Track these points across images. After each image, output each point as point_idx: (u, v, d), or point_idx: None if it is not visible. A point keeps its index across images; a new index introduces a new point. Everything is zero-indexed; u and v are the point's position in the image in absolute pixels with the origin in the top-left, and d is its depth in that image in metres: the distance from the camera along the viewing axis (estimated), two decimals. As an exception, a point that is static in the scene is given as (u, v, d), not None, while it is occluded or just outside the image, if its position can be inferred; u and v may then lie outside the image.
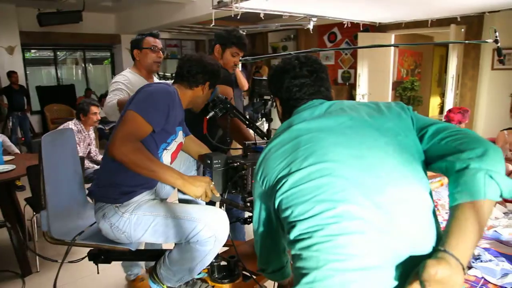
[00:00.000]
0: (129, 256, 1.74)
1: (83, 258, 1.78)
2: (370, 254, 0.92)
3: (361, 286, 0.90)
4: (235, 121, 2.05)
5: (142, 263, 2.71)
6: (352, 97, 8.52)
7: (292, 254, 1.04)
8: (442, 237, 0.91)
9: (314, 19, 5.14)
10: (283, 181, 1.05)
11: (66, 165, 1.92)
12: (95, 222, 1.70)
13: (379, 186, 0.97)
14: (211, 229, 1.53)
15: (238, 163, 1.71)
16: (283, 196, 1.05)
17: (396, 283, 0.90)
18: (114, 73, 10.01)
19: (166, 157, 1.69)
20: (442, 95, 11.07)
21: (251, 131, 2.08)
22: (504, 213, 2.31)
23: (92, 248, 1.73)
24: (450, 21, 6.07)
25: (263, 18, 4.82)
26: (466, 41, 5.80)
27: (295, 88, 1.24)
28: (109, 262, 1.77)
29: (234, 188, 1.74)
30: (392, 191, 0.97)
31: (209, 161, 1.71)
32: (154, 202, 1.63)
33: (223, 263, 1.75)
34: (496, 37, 3.39)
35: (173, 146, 1.71)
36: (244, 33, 5.19)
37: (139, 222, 1.56)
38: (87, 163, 3.80)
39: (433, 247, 0.94)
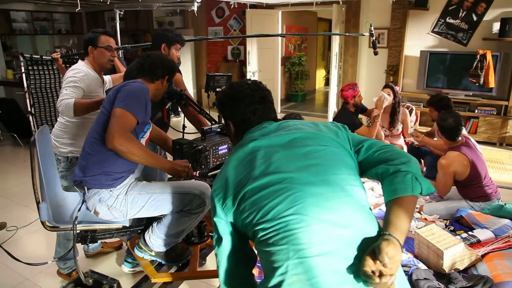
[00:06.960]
0: (113, 232, 2.20)
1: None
2: (325, 241, 1.18)
3: (324, 268, 1.15)
4: (191, 110, 2.60)
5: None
6: (243, 74, 9.25)
7: (262, 252, 1.27)
8: (383, 224, 1.23)
9: (198, 0, 5.33)
10: (244, 190, 1.31)
11: (49, 160, 2.29)
12: (80, 207, 2.09)
13: (326, 187, 1.27)
14: (201, 197, 2.08)
15: (202, 146, 2.28)
16: (245, 203, 1.30)
17: (350, 262, 1.17)
18: None
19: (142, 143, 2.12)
20: (327, 68, 12.53)
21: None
22: None
23: (78, 231, 2.13)
24: (333, 1, 7.13)
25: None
26: (347, 34, 6.99)
27: (249, 113, 1.53)
28: (96, 241, 2.20)
29: (200, 167, 2.30)
30: (337, 190, 1.28)
31: (178, 146, 2.24)
32: (145, 183, 2.11)
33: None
34: (372, 30, 4.19)
35: (147, 134, 2.17)
36: (122, 12, 5.39)
37: (135, 201, 2.02)
38: None
39: (377, 232, 1.24)
